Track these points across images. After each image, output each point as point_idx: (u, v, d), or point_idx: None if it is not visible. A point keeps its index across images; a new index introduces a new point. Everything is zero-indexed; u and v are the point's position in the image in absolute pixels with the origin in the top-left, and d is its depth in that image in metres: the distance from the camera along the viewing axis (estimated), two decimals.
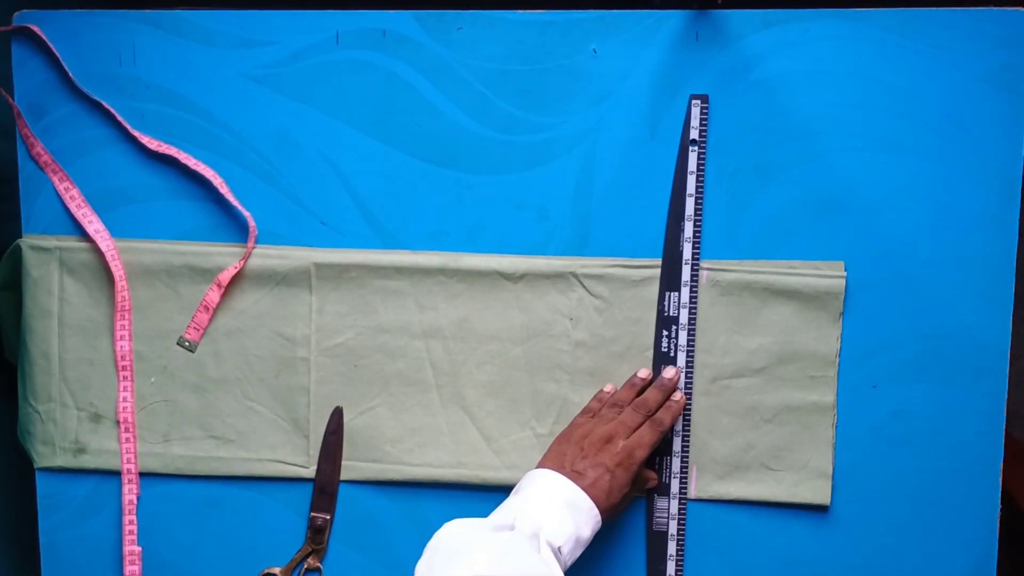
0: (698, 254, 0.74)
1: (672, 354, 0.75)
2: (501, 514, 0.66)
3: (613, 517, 0.69)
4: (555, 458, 0.69)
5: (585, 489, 0.66)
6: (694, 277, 0.74)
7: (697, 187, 0.74)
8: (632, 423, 0.70)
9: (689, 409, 0.75)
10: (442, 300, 0.76)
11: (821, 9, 0.72)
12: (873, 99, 0.72)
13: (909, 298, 0.74)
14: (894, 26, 0.72)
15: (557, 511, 0.65)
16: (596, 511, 0.66)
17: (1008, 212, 0.72)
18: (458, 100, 0.75)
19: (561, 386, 0.76)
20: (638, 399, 0.72)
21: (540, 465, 0.69)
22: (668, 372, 0.73)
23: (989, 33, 0.71)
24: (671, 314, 0.74)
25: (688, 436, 0.75)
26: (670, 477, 0.75)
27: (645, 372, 0.74)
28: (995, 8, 0.71)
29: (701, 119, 0.73)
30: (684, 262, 0.74)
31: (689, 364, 0.74)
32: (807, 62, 0.73)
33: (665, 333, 0.75)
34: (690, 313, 0.74)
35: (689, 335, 0.74)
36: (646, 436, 0.70)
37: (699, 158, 0.74)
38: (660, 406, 0.72)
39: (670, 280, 0.74)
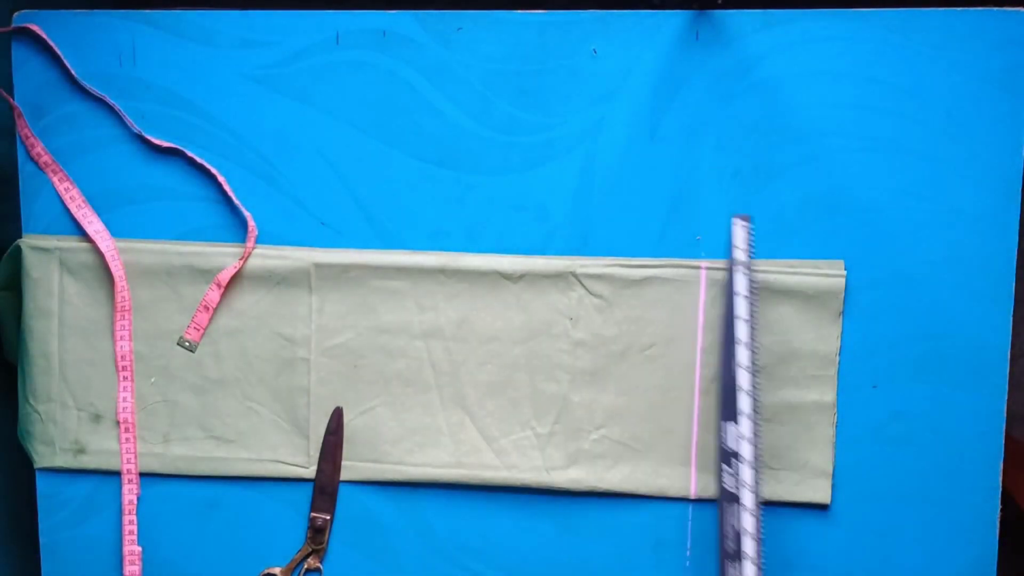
0: (757, 382, 0.70)
1: (735, 490, 0.70)
2: None
3: None
4: None
5: None
6: (755, 408, 0.70)
7: (751, 311, 0.70)
8: None
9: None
10: (442, 300, 0.76)
11: (821, 9, 0.72)
12: (873, 99, 0.72)
13: (909, 298, 0.74)
14: (894, 26, 0.72)
15: None
16: None
17: (1008, 212, 0.72)
18: (458, 100, 0.75)
19: (561, 386, 0.76)
20: None
21: None
22: None
23: (989, 33, 0.71)
24: (731, 448, 0.70)
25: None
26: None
27: None
28: (995, 8, 0.71)
29: (747, 239, 0.71)
30: (740, 389, 0.70)
31: (753, 481, 0.69)
32: (807, 62, 0.73)
33: (726, 468, 0.71)
34: (753, 447, 0.69)
35: (753, 467, 0.69)
36: None
37: (749, 280, 0.70)
38: None
39: (727, 409, 0.71)
